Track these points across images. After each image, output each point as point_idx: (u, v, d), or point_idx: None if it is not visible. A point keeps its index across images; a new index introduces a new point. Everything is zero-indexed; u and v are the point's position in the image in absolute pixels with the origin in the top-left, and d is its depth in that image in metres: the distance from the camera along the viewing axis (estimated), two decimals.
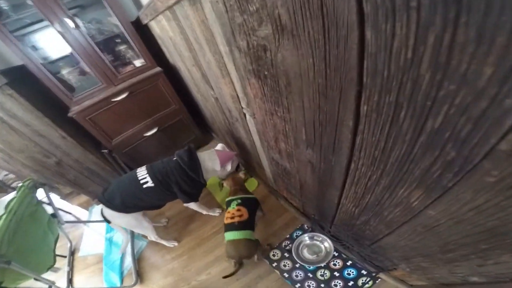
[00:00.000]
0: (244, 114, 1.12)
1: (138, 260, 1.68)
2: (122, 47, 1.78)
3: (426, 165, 0.43)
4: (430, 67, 0.30)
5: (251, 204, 1.34)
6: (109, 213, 1.32)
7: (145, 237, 1.71)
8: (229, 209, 1.32)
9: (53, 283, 1.40)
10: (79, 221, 2.01)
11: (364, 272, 1.21)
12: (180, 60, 1.58)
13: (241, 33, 0.65)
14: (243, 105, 1.05)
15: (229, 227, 1.25)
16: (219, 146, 1.55)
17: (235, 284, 1.37)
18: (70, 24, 1.43)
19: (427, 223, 0.55)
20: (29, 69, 1.46)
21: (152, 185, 1.30)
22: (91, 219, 2.04)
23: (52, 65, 1.62)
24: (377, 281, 1.17)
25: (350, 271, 1.23)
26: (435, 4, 0.25)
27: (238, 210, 1.28)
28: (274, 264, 1.36)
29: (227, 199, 1.38)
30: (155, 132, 1.98)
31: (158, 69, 1.78)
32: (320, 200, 1.04)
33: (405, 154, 0.45)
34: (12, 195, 1.38)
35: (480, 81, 0.27)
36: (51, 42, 1.58)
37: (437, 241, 0.58)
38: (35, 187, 1.42)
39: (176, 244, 1.68)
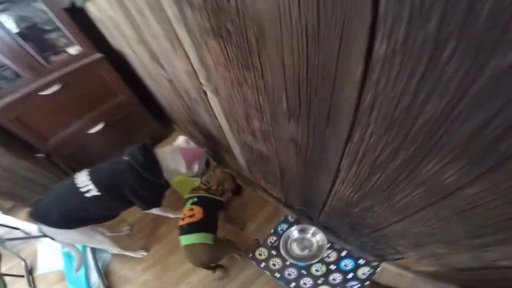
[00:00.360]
0: (205, 92, 0.92)
1: (105, 274, 1.47)
2: (52, 35, 1.47)
3: (477, 122, 0.28)
4: None
5: (210, 204, 1.18)
6: (48, 230, 1.07)
7: None
8: (184, 209, 1.17)
9: None
10: (24, 237, 1.69)
11: (361, 261, 1.11)
12: (124, 42, 1.31)
13: None
14: (202, 81, 0.85)
15: (180, 230, 1.11)
16: (181, 140, 1.31)
17: None
18: None
19: (457, 205, 0.43)
20: None
21: (98, 193, 1.04)
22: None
23: None
24: (377, 270, 1.08)
25: (347, 262, 1.13)
26: None
27: (191, 210, 1.12)
28: (262, 265, 1.22)
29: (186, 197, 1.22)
30: (102, 128, 1.68)
31: (98, 55, 1.49)
32: (306, 188, 0.89)
33: (445, 110, 0.30)
34: None
35: None
36: None
37: (466, 225, 0.47)
38: None
39: (145, 253, 1.48)
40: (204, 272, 1.26)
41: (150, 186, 1.14)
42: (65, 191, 1.07)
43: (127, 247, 1.44)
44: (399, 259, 0.91)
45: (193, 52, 0.73)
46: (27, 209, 1.88)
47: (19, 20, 1.35)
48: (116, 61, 1.58)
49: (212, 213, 1.17)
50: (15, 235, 1.66)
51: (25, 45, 1.30)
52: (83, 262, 1.49)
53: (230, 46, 0.54)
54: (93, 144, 1.71)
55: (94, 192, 1.04)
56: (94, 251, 1.52)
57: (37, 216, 1.04)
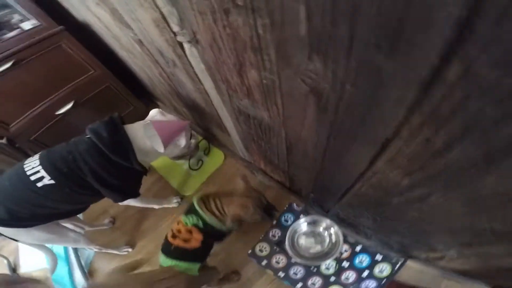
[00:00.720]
0: (181, 46, 0.65)
1: (89, 273, 1.34)
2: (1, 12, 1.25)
3: None
4: None
5: (213, 233, 0.88)
6: (4, 230, 0.86)
7: None
8: (182, 218, 0.87)
9: None
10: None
11: (379, 257, 0.91)
12: (84, 8, 1.05)
13: None
14: (175, 28, 0.59)
15: (165, 247, 0.84)
16: (153, 113, 1.07)
17: None
18: None
19: None
20: None
21: (52, 182, 0.82)
22: None
23: None
24: (396, 267, 0.88)
25: (362, 258, 0.94)
26: None
27: (189, 231, 0.83)
28: (264, 263, 1.02)
29: (193, 202, 0.90)
30: (71, 108, 1.42)
31: (60, 27, 1.26)
32: (325, 171, 0.65)
33: None
34: None
35: None
36: None
37: None
38: None
39: (129, 250, 1.31)
40: None
41: (119, 171, 0.90)
42: (10, 182, 0.84)
43: (110, 243, 1.30)
44: (435, 258, 0.71)
45: None
46: None
47: None
48: (84, 34, 1.34)
49: (211, 243, 0.90)
50: None
51: None
52: (66, 260, 1.38)
53: None
54: (64, 126, 1.47)
55: (46, 180, 0.82)
56: (76, 250, 1.39)
57: None
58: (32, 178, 0.81)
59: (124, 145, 0.88)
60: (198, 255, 0.84)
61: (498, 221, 0.39)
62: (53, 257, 1.18)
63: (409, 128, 0.33)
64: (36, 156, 0.86)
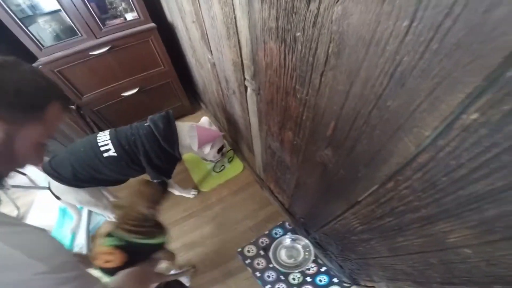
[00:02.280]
0: (245, 88, 0.90)
1: (92, 237, 1.45)
2: None
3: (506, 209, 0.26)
4: None
5: (139, 249, 0.78)
6: (58, 187, 1.06)
7: None
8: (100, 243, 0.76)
9: None
10: (27, 186, 1.70)
11: (335, 280, 1.11)
12: (179, 16, 1.31)
13: None
14: (247, 76, 0.83)
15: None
16: (204, 120, 1.33)
17: (200, 277, 1.22)
18: None
19: (449, 258, 0.44)
20: None
21: (115, 154, 1.04)
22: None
23: (25, 13, 1.31)
24: None
25: (323, 277, 1.13)
26: None
27: (110, 253, 0.73)
28: (248, 261, 1.22)
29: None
30: (136, 93, 1.70)
31: (151, 24, 1.51)
32: (316, 207, 0.88)
33: (487, 191, 0.29)
34: None
35: None
36: None
37: (445, 274, 0.48)
38: None
39: None
40: (191, 254, 1.29)
41: (164, 156, 1.14)
42: (83, 149, 1.06)
43: None
44: (371, 282, 0.90)
45: (247, 46, 0.71)
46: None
47: None
48: (165, 33, 1.60)
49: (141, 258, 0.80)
50: (20, 181, 1.66)
51: (88, 4, 1.33)
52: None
53: (291, 54, 0.52)
54: (122, 106, 1.76)
55: (111, 152, 1.04)
56: (90, 212, 1.52)
57: (50, 172, 1.03)
58: (102, 148, 1.04)
59: (172, 137, 1.13)
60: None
61: (409, 265, 0.59)
62: (79, 220, 1.39)
63: (366, 202, 0.56)
64: (107, 132, 1.09)
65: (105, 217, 1.45)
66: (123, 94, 1.68)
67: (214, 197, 1.52)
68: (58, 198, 1.11)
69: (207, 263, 1.25)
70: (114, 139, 1.06)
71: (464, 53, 0.25)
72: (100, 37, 1.44)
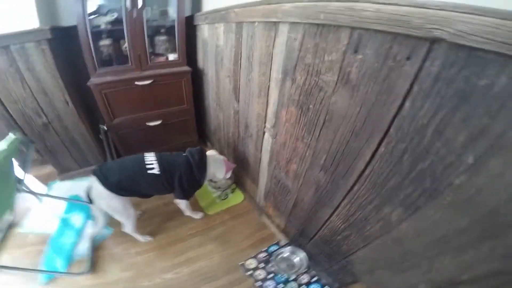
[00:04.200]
0: (263, 133, 1.39)
1: (96, 248, 1.64)
2: (162, 38, 1.96)
3: (409, 192, 0.73)
4: (432, 138, 0.62)
5: None
6: (99, 191, 1.31)
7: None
8: None
9: None
10: (39, 193, 1.91)
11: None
12: (213, 67, 1.83)
13: (303, 71, 0.94)
14: (268, 125, 1.33)
15: None
16: (214, 152, 1.73)
17: (204, 287, 1.47)
18: (140, 2, 1.61)
19: (397, 236, 0.84)
20: (78, 30, 1.60)
21: (158, 173, 1.38)
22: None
23: (98, 34, 1.75)
24: None
25: (315, 287, 1.47)
26: None
27: None
28: (249, 273, 1.53)
29: None
30: (158, 124, 2.13)
31: (187, 68, 2.00)
32: (309, 218, 1.30)
33: (398, 183, 0.75)
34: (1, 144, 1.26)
35: (446, 148, 0.58)
36: (111, 11, 1.74)
37: (399, 251, 0.87)
38: (24, 143, 1.44)
39: (150, 239, 1.70)
40: (195, 267, 1.55)
41: (192, 182, 1.52)
42: (131, 162, 1.40)
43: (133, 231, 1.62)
44: (355, 282, 1.24)
45: (273, 105, 1.21)
46: (46, 169, 2.20)
47: (151, 18, 1.83)
48: (193, 76, 2.09)
49: None
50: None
51: (146, 40, 1.77)
52: (78, 232, 1.72)
53: (304, 116, 1.03)
54: (143, 134, 2.14)
55: (155, 171, 1.37)
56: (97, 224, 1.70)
57: (98, 175, 1.30)
58: (147, 166, 1.37)
59: (203, 167, 1.54)
60: None
61: (376, 251, 1.00)
62: (103, 223, 1.56)
63: (343, 204, 1.01)
64: (152, 154, 1.44)
65: (110, 229, 1.70)
66: (147, 124, 2.08)
67: (217, 220, 1.87)
68: (90, 202, 1.36)
69: (210, 275, 1.52)
70: (159, 161, 1.41)
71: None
72: (145, 70, 1.87)
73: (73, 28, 1.63)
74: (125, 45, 1.82)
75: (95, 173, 1.33)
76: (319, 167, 1.06)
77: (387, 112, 0.70)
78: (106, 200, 1.36)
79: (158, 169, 1.39)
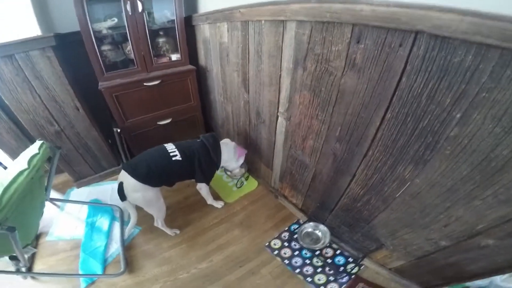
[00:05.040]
0: (277, 117, 1.59)
1: (127, 247, 1.76)
2: (161, 40, 2.13)
3: (416, 147, 0.93)
4: (426, 102, 0.82)
5: None
6: (132, 184, 1.46)
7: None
8: None
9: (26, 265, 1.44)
10: (61, 199, 2.10)
11: (350, 259, 1.67)
12: (218, 64, 2.01)
13: (313, 60, 1.13)
14: (281, 110, 1.52)
15: None
16: (228, 140, 1.94)
17: (239, 271, 1.64)
18: (139, 7, 1.76)
19: (413, 191, 1.04)
20: (82, 38, 1.73)
21: (180, 159, 1.58)
22: (64, 203, 2.12)
23: (100, 39, 1.89)
24: (361, 267, 1.63)
25: (340, 258, 1.69)
26: None
27: None
28: (275, 252, 1.74)
29: None
30: (168, 123, 2.31)
31: (191, 66, 2.19)
32: (328, 190, 1.51)
33: (406, 141, 0.95)
34: (32, 149, 1.36)
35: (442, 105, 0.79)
36: (109, 17, 1.87)
37: (419, 206, 1.06)
38: (53, 149, 1.52)
39: (178, 232, 1.86)
40: (227, 252, 1.74)
41: (210, 163, 1.73)
42: (156, 154, 1.58)
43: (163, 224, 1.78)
44: (379, 249, 1.45)
45: (285, 91, 1.40)
46: (61, 177, 2.35)
47: (151, 21, 1.99)
48: (196, 74, 2.27)
49: None
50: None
51: (149, 43, 1.93)
52: (106, 234, 1.84)
53: (317, 97, 1.22)
54: (154, 133, 2.32)
55: (178, 157, 1.58)
56: (122, 224, 1.90)
57: (128, 169, 1.46)
58: (171, 154, 1.57)
59: (218, 149, 1.74)
60: None
61: (397, 211, 1.21)
62: (135, 219, 1.66)
63: (360, 170, 1.21)
64: (171, 144, 1.63)
65: (138, 228, 1.88)
66: (158, 123, 2.27)
67: (237, 207, 2.08)
68: (123, 198, 1.48)
69: (243, 258, 1.71)
70: (179, 148, 1.61)
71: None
72: (151, 71, 2.04)
73: (72, 35, 1.79)
74: (128, 48, 1.98)
75: (124, 167, 1.48)
76: (335, 139, 1.25)
77: (389, 86, 0.90)
78: (141, 192, 1.50)
79: (180, 156, 1.59)
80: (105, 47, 1.96)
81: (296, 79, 1.29)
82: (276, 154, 1.82)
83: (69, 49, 1.86)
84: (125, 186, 1.47)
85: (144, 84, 2.02)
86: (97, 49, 1.82)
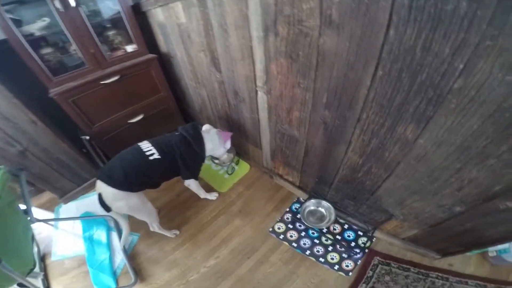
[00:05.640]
0: (256, 92, 1.47)
1: (131, 256, 1.75)
2: (111, 33, 1.97)
3: (416, 103, 0.84)
4: (422, 54, 0.71)
5: None
6: (110, 194, 1.39)
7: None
8: None
9: None
10: (51, 219, 2.02)
11: (360, 233, 1.64)
12: (181, 47, 1.86)
13: (284, 22, 0.99)
14: (259, 84, 1.39)
15: None
16: (209, 126, 1.80)
17: (247, 262, 1.63)
18: (72, 2, 1.59)
19: (418, 153, 0.97)
20: (12, 45, 1.54)
21: (159, 157, 1.48)
22: (59, 221, 2.05)
23: (35, 42, 1.69)
24: (373, 240, 1.61)
25: (349, 233, 1.66)
26: None
27: None
28: (281, 237, 1.71)
29: None
30: (141, 119, 2.17)
31: (152, 55, 2.03)
32: (324, 162, 1.44)
33: (403, 98, 0.85)
34: None
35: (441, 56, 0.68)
36: (39, 18, 1.67)
37: (426, 170, 1.00)
38: (13, 172, 1.44)
39: (178, 232, 1.84)
40: (231, 245, 1.71)
41: (194, 157, 1.62)
42: (130, 155, 1.47)
43: (159, 227, 1.75)
44: (389, 220, 1.44)
45: (260, 63, 1.27)
46: (45, 196, 2.25)
47: (93, 14, 1.84)
48: (160, 62, 2.13)
49: None
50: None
51: (96, 38, 1.77)
52: (107, 246, 1.82)
53: (295, 63, 1.10)
54: (128, 133, 2.19)
55: (156, 155, 1.47)
56: (120, 233, 1.81)
57: (103, 177, 1.37)
58: (147, 153, 1.46)
59: (200, 140, 1.62)
60: None
61: (403, 178, 1.15)
62: (127, 228, 1.63)
63: (356, 136, 1.13)
64: (146, 142, 1.52)
65: (136, 234, 1.83)
66: (129, 121, 2.13)
67: (233, 195, 2.02)
68: (107, 209, 1.42)
69: (248, 249, 1.68)
70: (156, 145, 1.50)
71: None
72: (106, 68, 1.88)
73: (1, 44, 1.60)
74: (73, 47, 1.81)
75: (100, 176, 1.40)
76: (322, 106, 1.15)
77: (376, 41, 0.79)
78: (123, 201, 1.44)
79: (158, 154, 1.49)
80: (45, 51, 1.77)
81: (269, 47, 1.15)
82: (262, 132, 1.72)
83: (1, 59, 1.70)
84: (104, 196, 1.40)
85: (102, 82, 1.87)
86: (34, 54, 1.64)
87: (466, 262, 1.52)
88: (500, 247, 1.44)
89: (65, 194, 2.22)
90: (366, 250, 1.59)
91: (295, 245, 1.66)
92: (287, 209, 1.84)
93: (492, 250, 1.49)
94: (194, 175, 1.73)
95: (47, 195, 2.28)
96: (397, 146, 1.02)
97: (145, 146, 1.51)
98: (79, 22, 1.68)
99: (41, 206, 2.23)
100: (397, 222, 1.43)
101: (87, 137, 2.01)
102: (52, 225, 2.05)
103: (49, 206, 2.24)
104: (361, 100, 0.99)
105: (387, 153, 1.08)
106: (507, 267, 1.47)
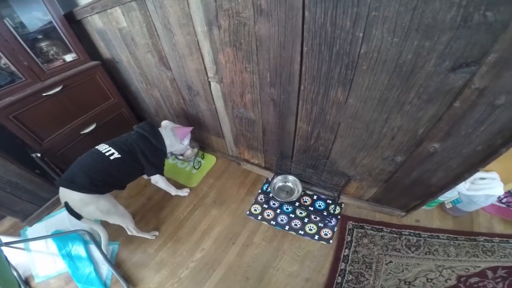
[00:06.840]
0: (209, 84, 1.70)
1: (116, 265, 1.82)
2: (44, 44, 2.03)
3: (338, 70, 1.12)
4: (332, 29, 1.00)
5: None
6: (77, 200, 1.44)
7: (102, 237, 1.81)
8: None
9: None
10: (18, 240, 2.03)
11: (329, 201, 1.94)
12: (125, 52, 2.01)
13: (225, 16, 1.23)
14: (210, 74, 1.62)
15: None
16: (167, 122, 1.95)
17: (233, 248, 1.80)
18: None
19: (351, 112, 1.25)
20: None
21: (120, 156, 1.58)
22: (29, 244, 2.06)
23: None
24: (342, 206, 1.92)
25: (319, 203, 1.95)
26: None
27: None
28: (259, 217, 1.94)
29: None
30: (94, 129, 2.26)
31: (95, 62, 2.12)
32: (280, 136, 1.71)
33: (327, 68, 1.14)
34: None
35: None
36: None
37: (362, 125, 1.28)
38: None
39: (157, 233, 1.96)
40: (214, 235, 1.88)
41: (155, 151, 1.75)
42: (90, 158, 1.55)
43: (137, 230, 1.84)
44: (348, 182, 1.73)
45: (208, 55, 1.49)
46: (6, 222, 2.28)
47: (20, 26, 1.90)
48: (105, 68, 2.23)
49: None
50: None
51: (29, 50, 1.81)
52: (89, 259, 1.87)
53: (240, 51, 1.34)
54: (83, 144, 2.24)
55: (116, 154, 1.58)
56: (98, 244, 1.88)
57: (64, 183, 1.42)
58: (107, 154, 1.55)
59: (158, 135, 1.78)
60: None
61: (347, 136, 1.46)
62: (105, 233, 1.75)
63: (300, 106, 1.41)
64: (103, 144, 1.62)
65: (116, 243, 1.93)
66: (82, 132, 2.20)
67: (205, 187, 2.23)
68: (78, 217, 1.49)
69: (231, 236, 1.87)
70: (114, 145, 1.62)
71: None
72: (45, 79, 1.92)
73: None
74: (3, 62, 1.85)
75: (61, 184, 1.46)
76: (268, 85, 1.41)
77: (297, 22, 1.06)
78: (92, 204, 1.51)
79: (118, 153, 1.60)
80: None
81: (215, 39, 1.38)
82: (222, 121, 1.96)
83: None
84: (72, 204, 1.46)
85: (44, 94, 1.90)
86: None
87: (430, 217, 1.81)
88: (450, 196, 1.74)
89: (27, 216, 2.23)
90: (339, 217, 1.87)
91: (273, 222, 1.89)
92: (259, 191, 2.10)
93: (447, 202, 1.78)
94: (159, 170, 1.85)
95: (8, 221, 2.27)
96: (334, 109, 1.31)
97: (103, 147, 1.61)
98: (7, 35, 1.71)
99: (4, 233, 2.21)
100: (356, 183, 1.73)
101: (38, 154, 2.03)
102: (22, 248, 2.07)
103: (13, 232, 2.23)
104: (296, 74, 1.26)
105: (328, 116, 1.37)
106: (467, 218, 1.76)
